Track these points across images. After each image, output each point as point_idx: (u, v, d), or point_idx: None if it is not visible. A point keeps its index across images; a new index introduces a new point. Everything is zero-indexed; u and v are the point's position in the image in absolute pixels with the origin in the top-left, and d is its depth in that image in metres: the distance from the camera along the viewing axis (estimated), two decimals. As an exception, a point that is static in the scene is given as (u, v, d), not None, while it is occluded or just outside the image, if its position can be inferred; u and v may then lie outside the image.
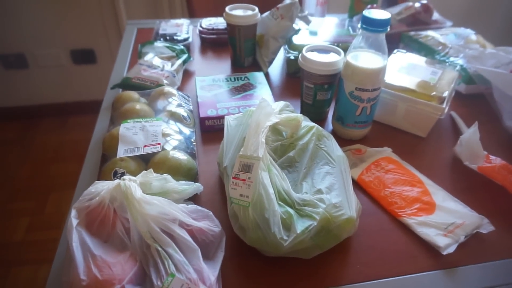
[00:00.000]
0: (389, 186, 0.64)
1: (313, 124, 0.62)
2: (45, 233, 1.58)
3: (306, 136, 0.60)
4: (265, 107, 0.57)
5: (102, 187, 0.50)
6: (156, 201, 0.47)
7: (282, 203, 0.50)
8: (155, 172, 0.52)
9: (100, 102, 0.89)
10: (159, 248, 0.44)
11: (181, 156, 0.60)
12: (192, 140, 0.67)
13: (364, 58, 0.68)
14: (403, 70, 0.80)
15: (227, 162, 0.56)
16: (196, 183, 0.55)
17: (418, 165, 0.68)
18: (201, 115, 0.76)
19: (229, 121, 0.64)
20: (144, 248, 0.46)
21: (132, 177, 0.50)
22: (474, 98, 0.90)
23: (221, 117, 0.76)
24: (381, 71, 0.67)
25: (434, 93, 0.74)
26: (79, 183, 0.63)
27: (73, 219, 0.47)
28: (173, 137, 0.64)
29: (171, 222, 0.46)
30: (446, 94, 0.74)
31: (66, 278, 0.44)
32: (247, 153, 0.51)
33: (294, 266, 0.52)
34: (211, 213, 0.50)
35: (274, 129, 0.62)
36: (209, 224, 0.49)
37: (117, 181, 0.49)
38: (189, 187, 0.54)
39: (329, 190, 0.52)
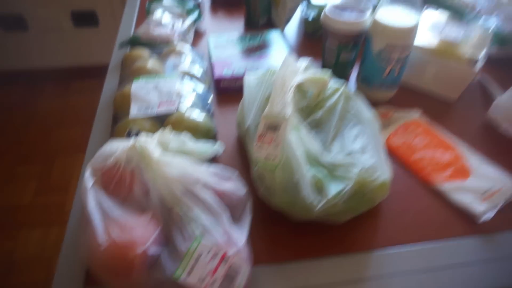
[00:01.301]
0: (419, 151, 0.60)
1: (340, 84, 0.57)
2: (52, 197, 1.57)
3: (333, 96, 0.56)
4: (291, 64, 0.52)
5: (117, 147, 0.46)
6: (176, 161, 0.44)
7: (311, 165, 0.47)
8: (171, 133, 0.49)
9: (103, 66, 0.84)
10: (183, 212, 0.41)
11: (198, 116, 0.56)
12: (209, 101, 0.62)
13: (395, 15, 0.62)
14: (433, 29, 0.75)
15: (249, 122, 0.52)
16: (217, 144, 0.51)
17: (449, 130, 0.64)
18: (216, 76, 0.71)
19: (249, 81, 0.59)
20: (166, 211, 0.43)
21: (148, 137, 0.46)
22: (505, 61, 0.84)
23: (237, 78, 0.71)
24: (413, 30, 0.62)
25: (466, 54, 0.68)
26: (89, 145, 0.60)
27: (88, 179, 0.44)
28: (188, 97, 0.60)
29: (194, 184, 0.42)
30: (478, 55, 0.68)
31: (83, 242, 0.42)
32: (273, 112, 0.47)
33: (323, 231, 0.49)
34: (235, 174, 0.47)
35: (299, 89, 0.58)
36: (234, 186, 0.45)
37: (132, 140, 0.46)
38: (209, 148, 0.50)
39: (361, 152, 0.48)
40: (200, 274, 0.37)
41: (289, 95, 0.48)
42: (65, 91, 2.10)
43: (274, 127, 0.47)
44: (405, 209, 0.53)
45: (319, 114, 0.54)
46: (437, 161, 0.58)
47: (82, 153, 1.74)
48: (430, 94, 0.73)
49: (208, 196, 0.42)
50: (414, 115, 0.66)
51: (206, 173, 0.44)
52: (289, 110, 0.47)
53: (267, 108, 0.48)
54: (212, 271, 0.37)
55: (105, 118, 0.65)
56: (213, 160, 0.56)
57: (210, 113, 0.59)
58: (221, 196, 0.43)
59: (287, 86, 0.49)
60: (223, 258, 0.38)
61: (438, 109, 0.70)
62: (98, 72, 2.08)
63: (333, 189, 0.44)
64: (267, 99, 0.53)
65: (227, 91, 0.72)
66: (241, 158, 0.59)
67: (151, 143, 0.45)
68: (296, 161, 0.45)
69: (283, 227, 0.49)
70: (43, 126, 1.89)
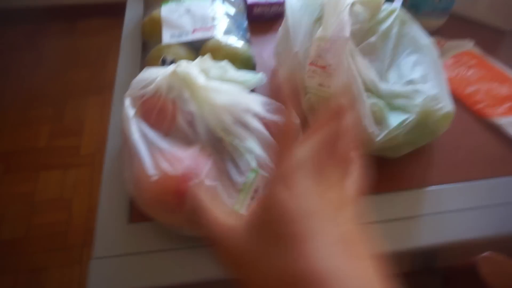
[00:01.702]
0: (473, 84, 0.55)
1: (395, 5, 0.51)
2: (67, 139, 1.55)
3: (387, 20, 0.50)
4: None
5: (157, 74, 0.42)
6: (224, 88, 0.40)
7: (369, 95, 0.43)
8: (208, 61, 0.44)
9: (110, 4, 0.76)
10: (236, 142, 0.38)
11: (237, 43, 0.51)
12: (245, 26, 0.57)
13: None
14: None
15: (298, 47, 0.47)
16: (259, 73, 0.47)
17: (504, 62, 0.59)
18: (249, 1, 0.65)
19: (292, 4, 0.53)
20: (214, 142, 0.40)
21: (188, 63, 0.42)
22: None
23: (272, 4, 0.65)
24: None
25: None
26: (118, 75, 0.56)
27: (128, 109, 0.41)
28: (223, 22, 0.54)
29: (244, 112, 0.39)
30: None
31: (128, 174, 0.39)
32: (327, 34, 0.42)
33: (376, 167, 0.46)
34: (285, 105, 0.43)
35: (349, 12, 0.52)
36: (285, 117, 0.41)
37: (172, 66, 0.41)
38: (252, 77, 0.46)
39: (423, 80, 0.44)
40: None
41: (345, 14, 0.43)
42: (71, 31, 2.00)
43: (328, 51, 0.42)
44: (460, 144, 0.50)
45: (372, 39, 0.48)
46: (494, 94, 0.54)
47: (93, 95, 1.70)
48: (483, 24, 0.67)
49: (260, 127, 0.38)
50: (467, 46, 0.60)
51: (255, 102, 0.40)
52: (348, 30, 0.42)
53: (320, 30, 0.43)
54: None
55: (132, 45, 0.60)
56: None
57: (247, 41, 0.54)
58: (272, 127, 0.40)
59: (342, 4, 0.44)
60: None
61: (492, 40, 0.64)
62: (104, 10, 1.97)
63: (395, 119, 0.41)
64: (315, 22, 0.47)
65: (260, 18, 0.66)
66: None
67: (193, 69, 0.41)
68: (355, 88, 0.41)
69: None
70: (51, 68, 1.82)
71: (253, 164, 0.37)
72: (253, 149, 0.37)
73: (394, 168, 0.47)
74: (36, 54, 1.89)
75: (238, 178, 0.36)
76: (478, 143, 0.50)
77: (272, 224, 0.21)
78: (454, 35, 0.63)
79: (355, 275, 0.19)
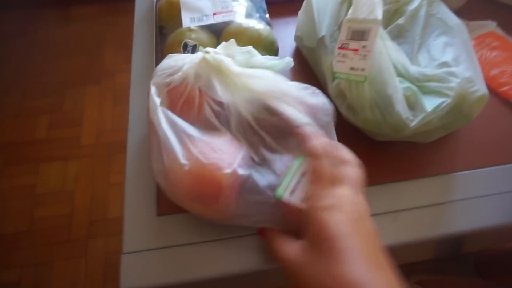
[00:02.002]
0: (497, 65, 0.54)
1: (421, -15, 0.49)
2: (66, 130, 1.52)
3: (414, 0, 0.48)
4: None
5: (183, 61, 0.40)
6: (259, 73, 0.38)
7: (401, 79, 0.42)
8: (231, 45, 0.42)
9: None
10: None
11: (259, 26, 0.49)
12: (264, 8, 0.55)
13: None
14: None
15: (324, 30, 0.45)
16: (286, 58, 0.45)
17: (527, 42, 0.58)
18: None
19: (313, -15, 0.51)
20: (246, 130, 0.38)
21: (216, 50, 0.40)
22: None
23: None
24: None
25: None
26: (133, 62, 0.54)
27: (155, 97, 0.39)
28: (242, 4, 0.52)
29: (284, 97, 0.37)
30: None
31: (157, 165, 0.37)
32: (358, 15, 0.41)
33: (406, 153, 0.46)
34: (318, 90, 0.41)
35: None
36: (321, 100, 0.40)
37: (200, 54, 0.40)
38: (279, 62, 0.44)
39: (456, 63, 0.42)
40: (306, 193, 0.33)
41: (377, -5, 0.41)
42: (65, 18, 1.95)
43: (360, 33, 0.40)
44: (487, 129, 0.49)
45: (400, 21, 0.47)
46: (519, 76, 0.53)
47: (91, 84, 1.66)
48: (505, 4, 0.65)
49: (302, 110, 0.37)
50: (490, 27, 0.59)
51: (293, 86, 0.39)
52: (380, 12, 0.40)
53: (351, 11, 0.41)
54: None
55: (147, 30, 0.58)
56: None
57: (268, 24, 0.52)
58: (313, 111, 0.38)
59: (371, -15, 0.42)
60: None
61: (513, 20, 0.63)
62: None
63: (430, 103, 0.40)
64: (341, 4, 0.46)
65: (277, 1, 0.64)
66: (302, 76, 0.54)
67: (224, 57, 0.39)
68: (388, 72, 0.39)
69: (360, 147, 0.45)
70: (46, 57, 1.77)
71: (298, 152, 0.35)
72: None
73: (422, 154, 0.46)
74: (29, 42, 1.83)
75: (281, 165, 0.35)
76: (505, 127, 0.49)
77: (323, 242, 0.28)
78: (476, 16, 0.62)
79: (379, 283, 0.26)
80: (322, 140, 0.34)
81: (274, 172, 0.35)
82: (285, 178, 0.34)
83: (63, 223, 1.30)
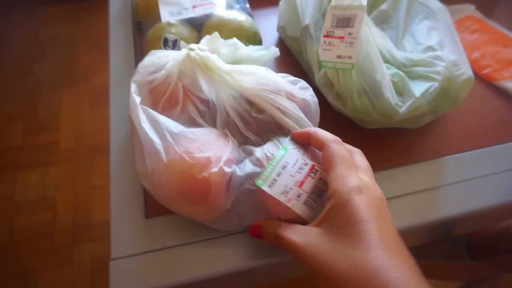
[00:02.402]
0: (478, 48, 0.55)
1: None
2: (43, 135, 1.47)
3: (395, -15, 0.48)
4: None
5: (166, 58, 0.38)
6: (251, 69, 0.37)
7: (387, 65, 0.41)
8: (213, 38, 0.41)
9: None
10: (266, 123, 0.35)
11: (241, 17, 0.48)
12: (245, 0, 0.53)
13: None
14: None
15: (308, 19, 0.44)
16: (272, 47, 0.44)
17: (507, 24, 0.59)
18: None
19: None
20: (234, 129, 0.37)
21: (200, 46, 0.39)
22: None
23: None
24: None
25: None
26: (111, 60, 0.51)
27: (134, 95, 0.37)
28: (221, -4, 0.51)
29: (276, 94, 0.36)
30: None
31: (142, 166, 0.36)
32: (343, 2, 0.40)
33: (394, 139, 0.46)
34: (306, 83, 0.40)
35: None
36: (312, 95, 0.39)
37: (184, 51, 0.38)
38: (265, 52, 0.43)
39: (440, 46, 0.42)
40: (285, 186, 0.32)
41: (360, -20, 0.40)
42: (34, 20, 1.87)
43: (345, 20, 0.40)
44: (473, 111, 0.49)
45: (383, 6, 0.46)
46: (499, 58, 0.53)
47: (66, 87, 1.61)
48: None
49: (294, 109, 0.36)
50: (469, 10, 0.59)
51: (284, 81, 0.37)
52: (365, -3, 0.39)
53: (334, -1, 0.40)
54: (299, 183, 0.33)
55: (124, 26, 0.55)
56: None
57: (250, 15, 0.51)
58: (304, 106, 0.37)
59: (354, -29, 0.41)
60: (312, 170, 0.33)
61: (492, 2, 0.63)
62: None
63: (418, 88, 0.39)
64: (324, -9, 0.45)
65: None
66: (286, 67, 0.53)
67: (209, 53, 0.38)
68: (376, 58, 0.39)
69: (347, 136, 0.45)
70: (17, 61, 1.70)
71: (284, 142, 0.34)
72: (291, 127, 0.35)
73: (411, 140, 0.46)
74: (-3, 47, 1.76)
75: (268, 153, 0.34)
76: (489, 109, 0.50)
77: (350, 225, 0.27)
78: (454, 0, 0.62)
79: (401, 271, 0.24)
80: (332, 135, 0.33)
81: (256, 160, 0.34)
82: (266, 169, 0.33)
83: (46, 231, 1.25)
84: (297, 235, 0.29)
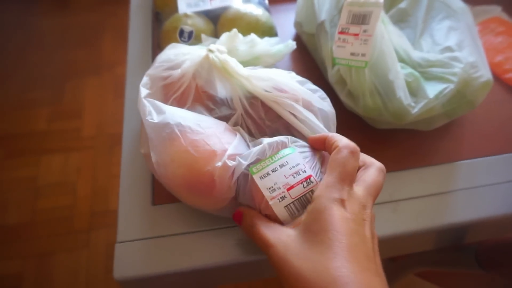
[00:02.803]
0: (502, 51, 0.53)
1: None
2: (67, 122, 1.51)
3: (417, -17, 0.47)
4: None
5: (184, 56, 0.39)
6: (269, 74, 0.37)
7: (403, 65, 0.40)
8: (228, 31, 0.41)
9: None
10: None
11: (257, 11, 0.48)
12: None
13: None
14: None
15: (324, 15, 0.44)
16: (289, 41, 0.44)
17: (533, 27, 0.56)
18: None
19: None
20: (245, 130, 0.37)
21: (220, 47, 0.39)
22: None
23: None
24: None
25: None
26: (129, 50, 0.52)
27: (142, 88, 0.38)
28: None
29: (295, 102, 0.36)
30: None
31: (145, 151, 0.37)
32: (359, -1, 0.39)
33: (407, 141, 0.45)
34: (324, 94, 0.39)
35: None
36: (329, 105, 0.38)
37: (203, 51, 0.38)
38: (283, 46, 0.43)
39: (459, 47, 0.41)
40: (274, 184, 0.32)
41: (378, -23, 0.40)
42: (64, 8, 1.93)
43: (361, 17, 0.39)
44: (491, 116, 0.48)
45: (402, 5, 0.45)
46: (525, 62, 0.51)
47: (91, 75, 1.65)
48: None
49: (311, 117, 0.35)
50: (495, 12, 0.57)
51: (303, 88, 0.37)
52: (382, -5, 0.39)
53: (351, -5, 0.40)
54: (289, 187, 0.32)
55: (143, 16, 0.56)
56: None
57: (267, 9, 0.51)
58: (319, 116, 0.37)
59: (373, -33, 0.40)
60: (306, 179, 0.32)
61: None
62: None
63: (432, 89, 0.38)
64: (342, -13, 0.44)
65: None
66: (302, 63, 0.52)
67: (228, 56, 0.38)
68: (390, 57, 0.38)
69: (360, 136, 0.44)
70: (45, 48, 1.76)
71: (294, 145, 0.34)
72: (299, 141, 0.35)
73: (424, 142, 0.45)
74: (27, 34, 1.82)
75: (270, 151, 0.34)
76: (510, 114, 0.48)
77: (321, 232, 0.27)
78: (480, 1, 0.60)
79: (357, 284, 0.24)
80: (349, 141, 0.33)
81: (262, 148, 0.34)
82: (265, 160, 0.33)
83: (65, 215, 1.30)
84: (271, 232, 0.30)
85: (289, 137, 0.34)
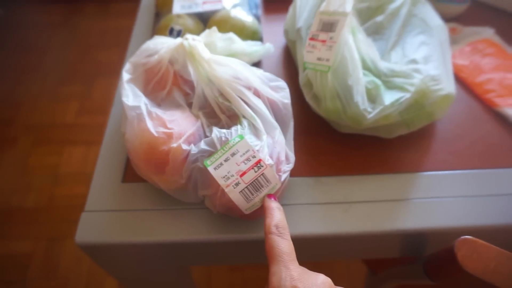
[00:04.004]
0: (486, 72, 0.53)
1: (407, -14, 0.50)
2: (93, 117, 1.61)
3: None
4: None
5: (162, 45, 0.43)
6: (228, 61, 0.40)
7: (367, 72, 0.42)
8: (215, 32, 0.45)
9: None
10: (235, 110, 0.38)
11: (245, 16, 0.52)
12: (257, 3, 0.57)
13: None
14: None
15: (301, 23, 0.47)
16: (267, 44, 0.47)
17: (525, 52, 0.56)
18: (264, -20, 0.65)
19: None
20: (207, 113, 0.40)
21: (195, 36, 0.43)
22: None
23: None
24: None
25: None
26: (131, 44, 0.58)
27: (124, 73, 0.42)
28: (235, -2, 0.55)
29: (246, 89, 0.39)
30: None
31: (123, 129, 0.41)
32: (330, 8, 0.42)
33: (370, 147, 0.46)
34: (285, 84, 0.42)
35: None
36: (284, 96, 0.41)
37: (179, 39, 0.42)
38: (259, 48, 0.46)
39: (425, 61, 0.43)
40: (227, 172, 0.34)
41: (350, -10, 0.42)
42: (105, 12, 2.07)
43: (330, 25, 0.42)
44: (463, 133, 0.48)
45: (379, 18, 0.48)
46: (507, 84, 0.51)
47: (120, 76, 1.75)
48: (507, 12, 0.64)
49: (261, 106, 0.38)
50: (487, 34, 0.58)
51: (258, 78, 0.40)
52: (349, 6, 0.41)
53: (324, 3, 0.43)
54: (241, 173, 0.35)
55: (147, 16, 0.62)
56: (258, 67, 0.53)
57: (257, 17, 0.54)
58: (273, 106, 0.40)
59: (348, -19, 0.43)
60: (257, 164, 0.35)
61: (514, 29, 0.61)
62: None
63: (389, 97, 0.40)
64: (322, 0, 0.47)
65: (274, -1, 0.66)
66: (287, 68, 0.55)
67: (199, 42, 0.42)
68: (352, 64, 0.40)
69: (327, 139, 0.46)
70: (83, 47, 1.89)
71: (241, 131, 0.37)
72: (253, 120, 0.38)
73: (390, 150, 0.46)
74: (70, 32, 1.97)
75: (223, 137, 0.36)
76: (483, 133, 0.48)
77: None
78: (476, 22, 0.61)
79: None
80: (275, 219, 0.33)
81: (210, 141, 0.36)
82: (218, 152, 0.35)
83: (79, 203, 1.37)
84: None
85: (240, 125, 0.37)
